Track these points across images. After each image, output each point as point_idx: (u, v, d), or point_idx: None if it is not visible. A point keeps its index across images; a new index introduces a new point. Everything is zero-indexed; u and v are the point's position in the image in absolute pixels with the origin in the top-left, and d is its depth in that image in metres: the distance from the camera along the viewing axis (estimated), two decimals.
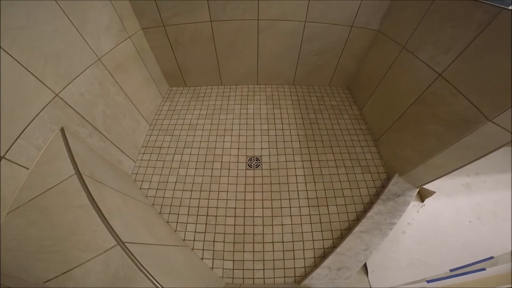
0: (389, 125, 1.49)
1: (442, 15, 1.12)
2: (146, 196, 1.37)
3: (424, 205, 1.55)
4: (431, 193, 1.54)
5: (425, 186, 1.50)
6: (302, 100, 1.91)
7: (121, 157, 1.38)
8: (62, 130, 0.99)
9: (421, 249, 1.39)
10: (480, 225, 1.48)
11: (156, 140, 1.64)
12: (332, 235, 1.25)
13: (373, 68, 1.68)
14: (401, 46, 1.38)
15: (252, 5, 1.49)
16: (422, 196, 1.56)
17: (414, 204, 1.55)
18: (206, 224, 1.28)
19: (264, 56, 1.80)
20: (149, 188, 1.41)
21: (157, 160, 1.53)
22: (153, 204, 1.34)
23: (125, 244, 0.71)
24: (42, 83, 0.90)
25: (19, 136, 0.81)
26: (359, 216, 1.31)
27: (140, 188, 1.41)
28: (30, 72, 0.85)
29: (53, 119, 0.95)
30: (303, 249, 1.21)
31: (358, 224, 1.24)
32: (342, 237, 1.24)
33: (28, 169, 0.83)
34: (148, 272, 0.67)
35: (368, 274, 1.31)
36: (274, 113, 1.80)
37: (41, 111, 0.89)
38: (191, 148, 1.60)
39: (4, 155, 0.75)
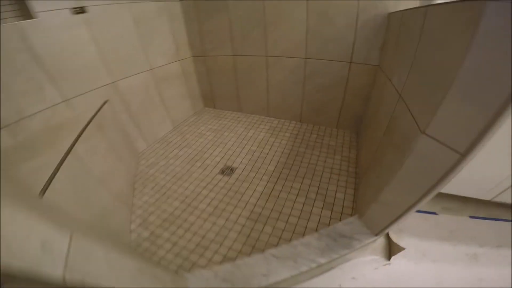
0: (368, 164, 1.37)
1: (406, 28, 1.08)
2: (139, 166, 1.80)
3: (389, 264, 1.24)
4: (400, 249, 1.23)
5: (397, 241, 1.24)
6: (301, 135, 1.99)
7: (137, 136, 1.91)
8: (105, 102, 1.57)
9: None
10: None
11: (171, 137, 2.12)
12: (251, 250, 1.21)
13: (373, 108, 1.59)
14: (387, 78, 1.30)
15: (262, 43, 1.88)
16: (392, 252, 1.25)
17: (374, 259, 1.25)
18: (161, 195, 1.55)
19: (273, 89, 2.09)
20: (145, 164, 1.83)
21: (162, 149, 1.98)
22: (138, 174, 1.74)
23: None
24: (109, 71, 1.58)
25: (81, 94, 1.45)
26: None
27: (138, 163, 1.85)
28: (104, 63, 1.54)
29: (105, 93, 1.58)
30: (207, 248, 1.23)
31: (276, 247, 1.17)
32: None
33: None
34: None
35: None
36: (268, 140, 1.97)
37: (102, 86, 1.56)
38: (190, 148, 1.97)
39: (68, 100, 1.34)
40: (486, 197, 1.34)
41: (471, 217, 1.44)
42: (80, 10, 1.36)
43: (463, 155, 0.63)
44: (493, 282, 1.15)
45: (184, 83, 2.25)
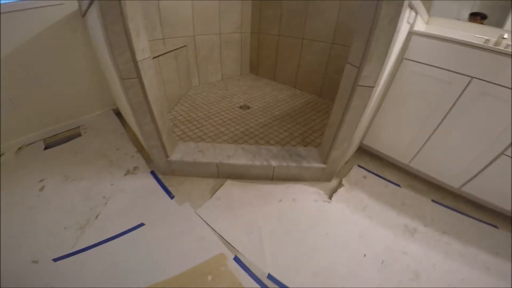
0: None
1: None
2: (188, 92, 2.51)
3: (329, 202, 1.40)
4: (340, 185, 1.49)
5: (345, 186, 1.50)
6: (313, 103, 2.37)
7: (195, 75, 2.65)
8: (184, 45, 2.34)
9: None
10: (373, 265, 1.08)
11: (217, 83, 2.81)
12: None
13: None
14: None
15: (301, 29, 2.37)
16: (333, 190, 1.48)
17: (318, 192, 1.46)
18: (193, 108, 2.19)
19: (302, 66, 2.53)
20: (193, 92, 2.54)
21: (208, 87, 2.68)
22: (185, 95, 2.45)
23: None
24: (194, 28, 2.36)
25: (173, 38, 2.22)
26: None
27: (188, 91, 2.57)
28: (193, 22, 2.30)
29: (186, 41, 2.37)
30: (203, 140, 1.80)
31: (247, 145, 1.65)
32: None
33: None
34: None
35: None
36: (285, 100, 2.43)
37: (186, 36, 2.34)
38: (227, 91, 2.59)
39: (164, 39, 2.15)
40: (454, 183, 1.34)
41: (433, 200, 1.43)
42: None
43: (358, 67, 1.07)
44: (414, 261, 1.09)
45: (239, 50, 2.92)
